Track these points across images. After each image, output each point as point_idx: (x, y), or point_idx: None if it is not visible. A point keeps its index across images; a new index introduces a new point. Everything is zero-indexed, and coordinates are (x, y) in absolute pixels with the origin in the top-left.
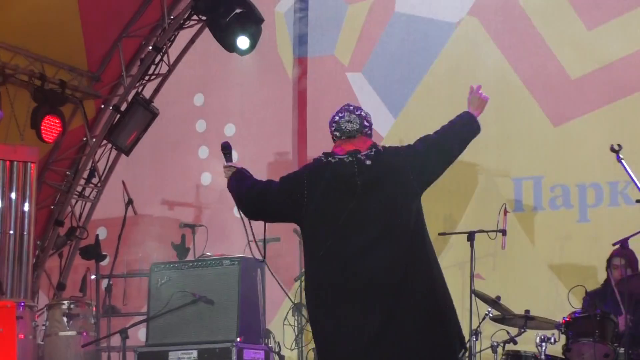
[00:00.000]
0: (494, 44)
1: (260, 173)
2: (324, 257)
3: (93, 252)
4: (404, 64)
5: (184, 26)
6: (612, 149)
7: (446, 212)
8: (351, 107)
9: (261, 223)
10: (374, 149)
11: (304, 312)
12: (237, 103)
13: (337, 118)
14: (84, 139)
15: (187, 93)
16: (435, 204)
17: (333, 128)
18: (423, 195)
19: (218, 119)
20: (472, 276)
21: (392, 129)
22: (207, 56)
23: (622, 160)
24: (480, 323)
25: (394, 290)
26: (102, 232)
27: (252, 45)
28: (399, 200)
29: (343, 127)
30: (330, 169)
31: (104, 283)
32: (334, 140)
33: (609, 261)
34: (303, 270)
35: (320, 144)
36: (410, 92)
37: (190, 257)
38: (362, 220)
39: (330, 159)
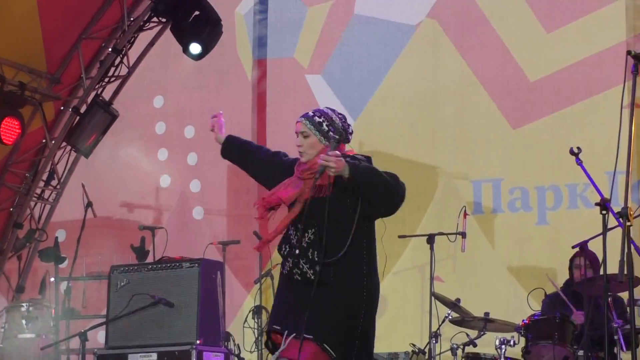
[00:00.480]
0: (453, 47)
1: (220, 176)
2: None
3: (52, 255)
4: (363, 66)
5: (144, 28)
6: (572, 152)
7: (406, 214)
8: None
9: (222, 223)
10: None
11: (264, 314)
12: (196, 105)
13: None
14: (43, 140)
15: (146, 95)
16: None
17: (350, 131)
18: None
19: (177, 121)
20: (432, 279)
21: None
22: (166, 58)
23: (582, 163)
24: (440, 325)
25: None
26: (61, 235)
27: (205, 51)
28: None
29: None
30: None
31: (63, 285)
32: (340, 142)
33: (571, 261)
34: (265, 272)
35: (279, 146)
36: (369, 94)
37: (149, 259)
38: None
39: None
